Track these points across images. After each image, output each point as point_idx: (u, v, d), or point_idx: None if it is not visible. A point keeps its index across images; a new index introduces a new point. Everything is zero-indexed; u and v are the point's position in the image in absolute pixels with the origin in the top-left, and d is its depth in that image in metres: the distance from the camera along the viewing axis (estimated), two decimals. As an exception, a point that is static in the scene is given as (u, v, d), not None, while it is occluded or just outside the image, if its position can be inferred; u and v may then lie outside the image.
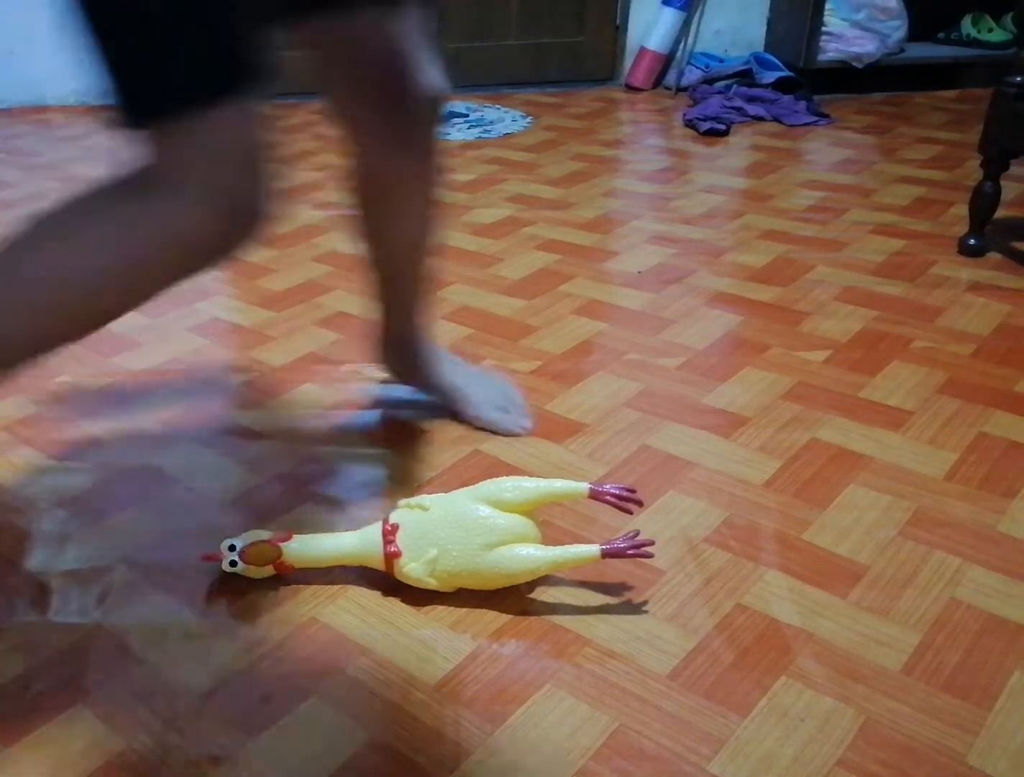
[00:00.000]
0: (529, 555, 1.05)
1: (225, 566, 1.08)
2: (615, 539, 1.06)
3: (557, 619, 1.05)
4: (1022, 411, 1.43)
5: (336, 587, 1.10)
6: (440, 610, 1.07)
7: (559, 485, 1.08)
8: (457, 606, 1.07)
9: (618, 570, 1.12)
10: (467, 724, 0.93)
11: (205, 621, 1.05)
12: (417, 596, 1.08)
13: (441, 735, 0.92)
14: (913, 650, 1.01)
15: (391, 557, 1.06)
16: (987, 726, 0.92)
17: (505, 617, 1.06)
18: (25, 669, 0.99)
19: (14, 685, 0.97)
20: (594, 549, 1.05)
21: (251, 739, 0.91)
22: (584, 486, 1.08)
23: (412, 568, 1.05)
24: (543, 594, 1.09)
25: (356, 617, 1.06)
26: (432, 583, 1.06)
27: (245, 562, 1.08)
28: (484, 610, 1.07)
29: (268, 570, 1.09)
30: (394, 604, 1.08)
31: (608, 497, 1.08)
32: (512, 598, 1.08)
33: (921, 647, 1.02)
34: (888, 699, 0.95)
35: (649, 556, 1.06)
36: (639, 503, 1.09)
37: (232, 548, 1.08)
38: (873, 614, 1.06)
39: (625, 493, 1.08)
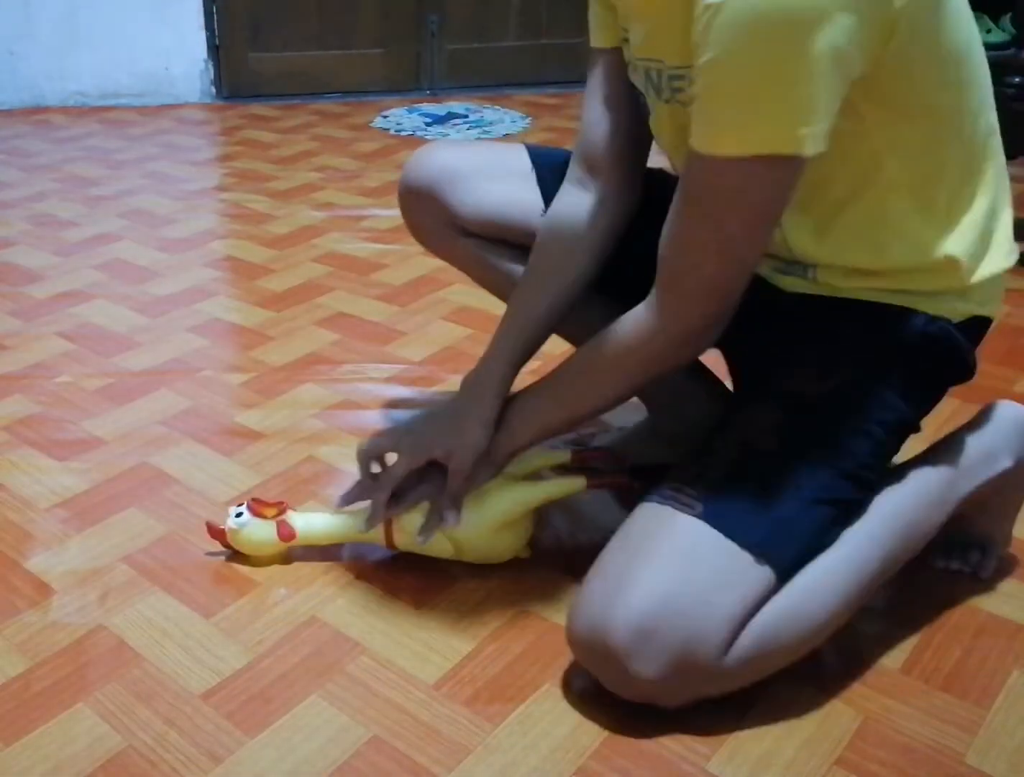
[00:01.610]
0: (519, 489, 1.07)
1: (231, 522, 1.10)
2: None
3: (557, 619, 1.06)
4: (1021, 411, 1.43)
5: (336, 587, 1.10)
6: (440, 610, 1.07)
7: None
8: (457, 606, 1.07)
9: (617, 570, 1.12)
10: (466, 722, 0.93)
11: (205, 621, 1.06)
12: (417, 596, 1.08)
13: (441, 734, 0.92)
14: (912, 649, 1.01)
15: (389, 522, 1.07)
16: (986, 725, 0.92)
17: (505, 617, 1.06)
18: (25, 669, 0.99)
19: (14, 685, 0.97)
20: (580, 480, 1.09)
21: (251, 739, 0.91)
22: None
23: (409, 519, 1.06)
24: (543, 594, 1.09)
25: (356, 617, 1.06)
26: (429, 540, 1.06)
27: (252, 513, 1.09)
28: (484, 610, 1.07)
29: (270, 534, 1.10)
30: (394, 604, 1.08)
31: (597, 470, 1.13)
32: (512, 598, 1.08)
33: (920, 646, 1.02)
34: (887, 698, 0.96)
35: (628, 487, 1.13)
36: (626, 469, 1.15)
37: (239, 514, 1.10)
38: (872, 614, 1.06)
39: (611, 462, 1.12)
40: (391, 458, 1.07)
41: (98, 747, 0.91)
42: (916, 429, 1.01)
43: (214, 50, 3.29)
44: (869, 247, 0.94)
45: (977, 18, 3.72)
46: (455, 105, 3.31)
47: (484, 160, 1.18)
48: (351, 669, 0.99)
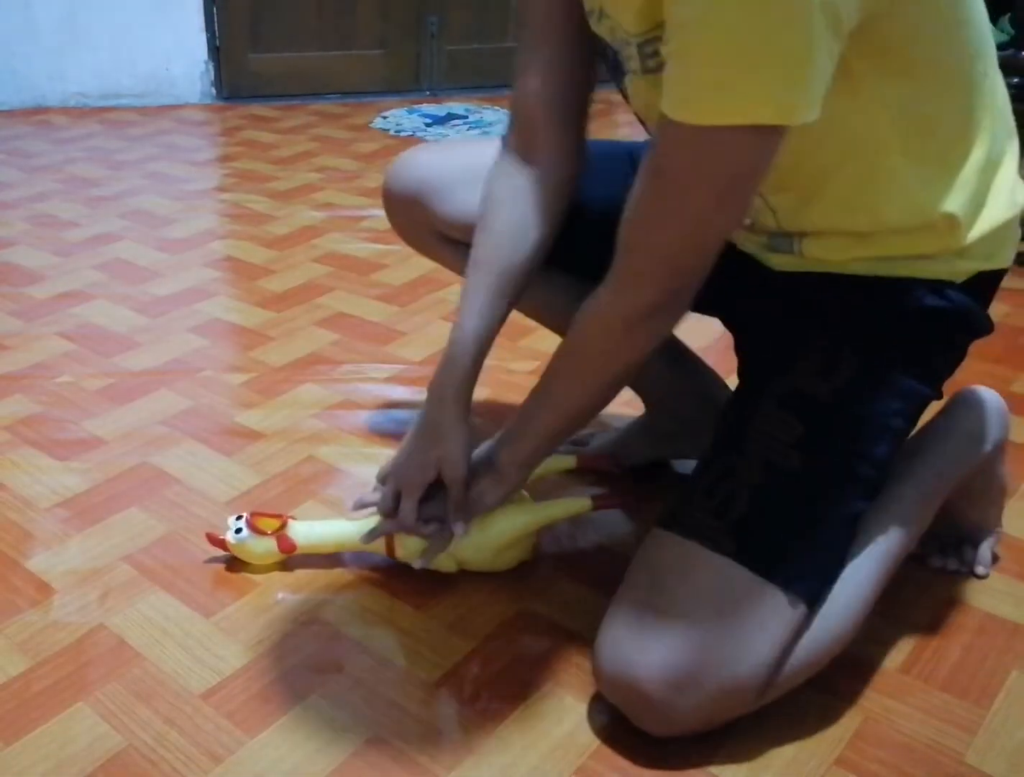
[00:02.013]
0: (524, 511, 1.07)
1: (230, 537, 1.09)
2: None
3: (557, 618, 1.06)
4: (1019, 411, 1.43)
5: (336, 587, 1.10)
6: (440, 610, 1.07)
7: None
8: (457, 606, 1.07)
9: (618, 570, 1.12)
10: (467, 722, 0.93)
11: (205, 621, 1.06)
12: (417, 596, 1.08)
13: (441, 733, 0.92)
14: (911, 649, 1.02)
15: (391, 534, 1.06)
16: (985, 725, 0.93)
17: (505, 617, 1.06)
18: (26, 668, 0.99)
19: (15, 684, 0.97)
20: (586, 501, 1.09)
21: (251, 738, 0.91)
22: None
23: (411, 540, 1.05)
24: (543, 594, 1.09)
25: (356, 616, 1.06)
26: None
27: (250, 529, 1.09)
28: (484, 610, 1.07)
29: (271, 548, 1.09)
30: (394, 604, 1.08)
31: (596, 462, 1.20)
32: (512, 598, 1.08)
33: (919, 646, 1.02)
34: (886, 698, 0.96)
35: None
36: (628, 469, 1.21)
37: (239, 530, 1.09)
38: (872, 613, 1.05)
39: (613, 465, 1.15)
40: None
41: (98, 746, 0.91)
42: (938, 398, 0.98)
43: (214, 51, 3.29)
44: (860, 209, 0.88)
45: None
46: (455, 106, 3.31)
47: (460, 166, 1.15)
48: (351, 669, 0.99)
